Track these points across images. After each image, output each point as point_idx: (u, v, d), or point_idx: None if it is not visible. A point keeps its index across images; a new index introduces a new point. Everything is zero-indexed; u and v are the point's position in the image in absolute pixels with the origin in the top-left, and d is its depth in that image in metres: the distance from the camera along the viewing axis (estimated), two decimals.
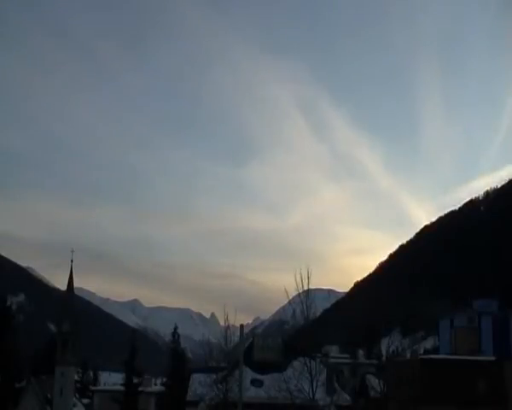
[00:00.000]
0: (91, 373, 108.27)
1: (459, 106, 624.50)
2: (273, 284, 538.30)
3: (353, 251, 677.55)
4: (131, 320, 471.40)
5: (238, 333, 25.75)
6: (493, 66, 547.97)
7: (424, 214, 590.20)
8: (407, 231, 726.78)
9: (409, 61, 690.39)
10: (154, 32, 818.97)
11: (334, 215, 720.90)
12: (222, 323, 42.01)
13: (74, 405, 72.19)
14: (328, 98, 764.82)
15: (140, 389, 59.68)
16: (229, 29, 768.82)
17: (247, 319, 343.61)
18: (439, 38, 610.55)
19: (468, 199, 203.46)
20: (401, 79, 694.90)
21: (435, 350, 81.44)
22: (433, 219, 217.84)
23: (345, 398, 41.98)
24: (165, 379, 76.02)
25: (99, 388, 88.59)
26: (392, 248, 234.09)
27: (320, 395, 36.53)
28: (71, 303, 74.83)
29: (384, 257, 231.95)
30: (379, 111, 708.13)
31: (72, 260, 74.17)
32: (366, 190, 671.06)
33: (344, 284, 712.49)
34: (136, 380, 58.79)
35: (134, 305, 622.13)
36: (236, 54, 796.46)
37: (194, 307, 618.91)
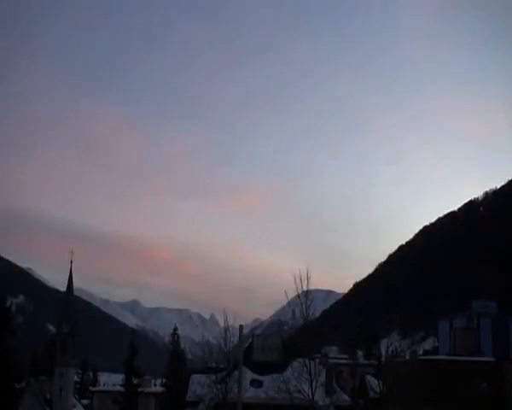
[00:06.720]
0: (91, 374, 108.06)
1: None
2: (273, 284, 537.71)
3: None
4: (131, 321, 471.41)
5: (237, 334, 25.79)
6: None
7: None
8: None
9: None
10: None
11: None
12: (221, 324, 42.09)
13: (74, 406, 71.96)
14: None
15: (140, 389, 59.47)
16: None
17: (246, 320, 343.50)
18: None
19: (467, 199, 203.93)
20: None
21: (435, 351, 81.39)
22: (433, 220, 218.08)
23: (344, 399, 42.02)
24: (164, 380, 75.90)
25: (98, 388, 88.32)
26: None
27: (319, 395, 36.63)
28: (70, 304, 74.69)
29: (383, 258, 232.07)
30: None
31: (71, 261, 74.23)
32: None
33: (343, 285, 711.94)
34: (135, 381, 58.61)
35: (133, 305, 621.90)
36: None
37: (194, 308, 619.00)
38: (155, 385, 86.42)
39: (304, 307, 36.29)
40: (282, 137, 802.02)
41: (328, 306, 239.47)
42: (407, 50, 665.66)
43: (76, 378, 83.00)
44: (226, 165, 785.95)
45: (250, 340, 45.54)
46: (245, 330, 31.72)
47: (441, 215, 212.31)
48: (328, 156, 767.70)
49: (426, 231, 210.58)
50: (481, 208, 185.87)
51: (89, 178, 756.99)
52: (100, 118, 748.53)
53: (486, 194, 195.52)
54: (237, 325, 29.03)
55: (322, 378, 38.12)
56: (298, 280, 34.98)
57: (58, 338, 71.69)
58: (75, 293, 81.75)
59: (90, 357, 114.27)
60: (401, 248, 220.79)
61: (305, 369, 35.73)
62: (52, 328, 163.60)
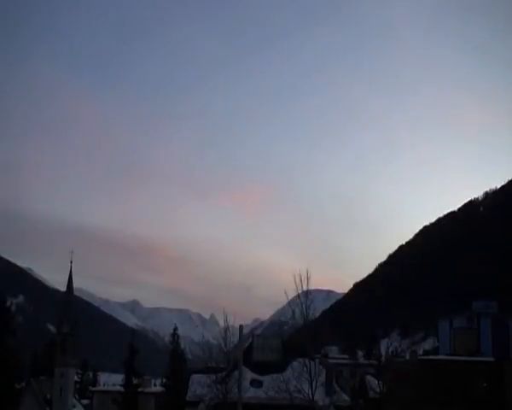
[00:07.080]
0: (91, 374, 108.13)
1: None
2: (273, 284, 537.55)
3: None
4: (131, 321, 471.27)
5: (237, 334, 25.74)
6: None
7: None
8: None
9: None
10: None
11: None
12: (221, 324, 42.06)
13: (74, 406, 71.97)
14: None
15: (139, 389, 59.48)
16: None
17: (246, 320, 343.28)
18: None
19: (467, 199, 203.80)
20: None
21: (435, 351, 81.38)
22: (433, 220, 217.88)
23: (344, 399, 41.96)
24: (164, 380, 75.93)
25: (98, 388, 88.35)
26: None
27: (319, 395, 36.59)
28: (70, 304, 74.67)
29: (383, 258, 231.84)
30: None
31: (71, 261, 74.21)
32: None
33: (343, 285, 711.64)
34: (135, 381, 58.61)
35: (133, 306, 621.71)
36: None
37: (194, 308, 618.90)
38: (155, 385, 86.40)
39: (304, 307, 36.28)
40: (282, 137, 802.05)
41: (328, 306, 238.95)
42: (407, 51, 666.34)
43: (76, 378, 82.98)
44: (226, 165, 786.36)
45: (250, 340, 45.51)
46: (245, 330, 31.71)
47: (441, 215, 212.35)
48: (328, 156, 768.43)
49: (426, 231, 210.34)
50: (481, 208, 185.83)
51: (89, 178, 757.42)
52: (100, 118, 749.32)
53: (486, 194, 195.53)
54: (237, 325, 28.97)
55: (322, 378, 38.08)
56: (298, 280, 34.96)
57: (58, 338, 71.72)
58: (75, 293, 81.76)
59: (90, 357, 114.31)
60: (401, 248, 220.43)
61: (305, 369, 35.71)
62: (52, 328, 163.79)
